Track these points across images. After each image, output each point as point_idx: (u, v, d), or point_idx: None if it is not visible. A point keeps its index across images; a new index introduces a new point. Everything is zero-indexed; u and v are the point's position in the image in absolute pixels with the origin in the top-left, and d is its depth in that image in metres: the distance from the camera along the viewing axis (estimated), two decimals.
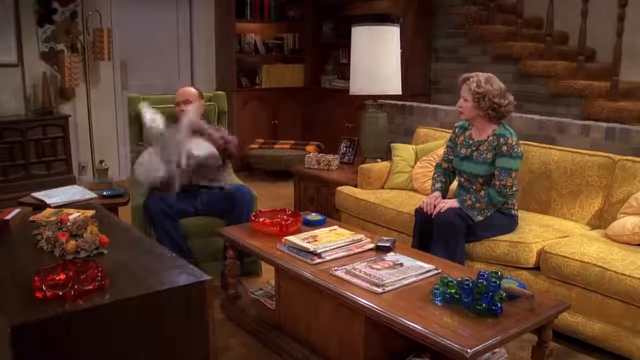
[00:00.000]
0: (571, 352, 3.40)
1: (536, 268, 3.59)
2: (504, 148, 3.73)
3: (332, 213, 4.88)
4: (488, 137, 3.83)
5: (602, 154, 4.05)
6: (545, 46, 6.37)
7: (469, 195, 3.82)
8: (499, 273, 2.61)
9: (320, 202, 5.30)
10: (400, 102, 5.73)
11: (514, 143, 3.74)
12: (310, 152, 6.69)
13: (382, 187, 4.85)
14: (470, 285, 2.50)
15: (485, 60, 6.68)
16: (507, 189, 3.72)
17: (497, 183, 3.72)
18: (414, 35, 7.11)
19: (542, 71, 6.20)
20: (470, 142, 3.93)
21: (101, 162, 5.10)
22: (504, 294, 2.50)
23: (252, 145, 7.51)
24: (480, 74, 3.84)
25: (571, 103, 5.96)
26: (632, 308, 3.12)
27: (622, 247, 3.46)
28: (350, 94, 5.30)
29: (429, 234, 3.76)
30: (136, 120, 4.75)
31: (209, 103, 4.92)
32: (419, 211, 3.90)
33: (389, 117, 5.50)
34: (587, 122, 4.50)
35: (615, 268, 3.19)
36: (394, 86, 5.14)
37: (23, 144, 6.30)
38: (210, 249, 4.17)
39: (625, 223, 3.56)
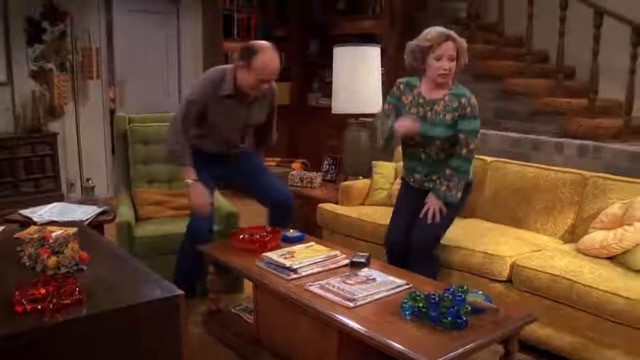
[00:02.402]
0: None
1: (509, 281, 3.69)
2: (468, 110, 3.61)
3: (314, 230, 4.97)
4: (444, 96, 3.66)
5: (574, 171, 4.18)
6: (525, 65, 6.50)
7: (439, 182, 3.72)
8: (465, 287, 2.71)
9: (303, 218, 5.40)
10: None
11: (475, 103, 3.65)
12: (296, 169, 6.79)
13: (363, 204, 4.96)
14: (437, 299, 2.60)
15: (467, 78, 6.72)
16: (473, 153, 3.71)
17: (465, 150, 3.64)
18: (398, 54, 7.21)
19: (523, 89, 6.32)
20: (422, 101, 3.70)
21: (88, 180, 5.21)
22: (469, 308, 2.60)
23: None
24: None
25: (551, 120, 6.06)
26: (600, 320, 3.22)
27: (591, 260, 3.57)
28: (332, 112, 5.41)
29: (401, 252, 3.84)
30: (123, 140, 4.87)
31: None
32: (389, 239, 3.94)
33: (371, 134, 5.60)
34: (560, 140, 4.63)
35: (583, 281, 3.30)
36: (375, 105, 5.25)
37: (12, 162, 6.40)
38: None
39: (594, 237, 3.67)
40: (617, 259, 3.54)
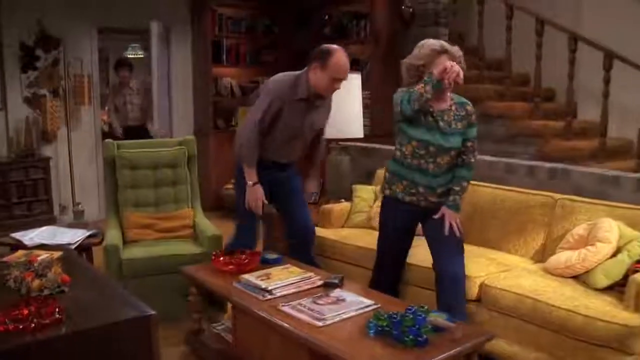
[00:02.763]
0: None
1: (479, 300, 3.83)
2: (473, 117, 3.73)
3: None
4: (451, 106, 3.70)
5: (544, 193, 4.34)
6: (504, 88, 6.71)
7: (452, 197, 3.74)
8: (426, 307, 2.87)
9: (286, 241, 5.53)
10: (363, 144, 6.00)
11: (474, 109, 3.78)
12: None
13: (343, 227, 5.11)
14: (399, 318, 2.75)
15: None
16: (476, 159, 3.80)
17: (471, 157, 3.74)
18: (381, 78, 7.41)
19: (502, 112, 6.51)
20: (431, 111, 3.64)
21: (77, 204, 5.36)
22: (430, 327, 2.75)
23: (227, 186, 7.76)
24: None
25: (529, 142, 6.25)
26: (562, 337, 3.37)
27: (556, 280, 3.73)
28: None
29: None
30: (111, 165, 5.04)
31: (179, 147, 5.21)
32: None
33: (352, 158, 5.77)
34: (532, 163, 4.79)
35: (546, 300, 3.44)
36: (356, 130, 5.42)
37: (5, 185, 6.56)
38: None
39: (560, 258, 3.83)
40: (580, 278, 3.70)
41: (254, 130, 4.05)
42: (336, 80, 4.00)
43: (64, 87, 7.18)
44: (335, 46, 4.02)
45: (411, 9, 7.21)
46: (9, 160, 6.77)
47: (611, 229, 3.70)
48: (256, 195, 4.14)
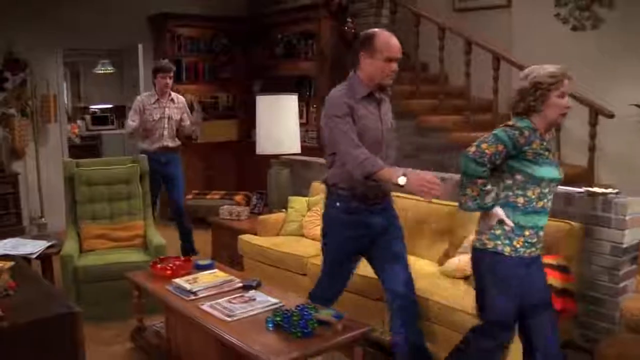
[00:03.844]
0: None
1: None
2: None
3: (240, 258, 5.67)
4: (551, 135, 3.34)
5: (451, 203, 4.88)
6: (438, 102, 7.27)
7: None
8: (314, 305, 3.44)
9: (231, 248, 6.07)
10: (302, 158, 6.54)
11: None
12: (239, 202, 7.55)
13: (278, 234, 5.67)
14: (290, 314, 3.32)
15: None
16: None
17: None
18: (327, 93, 7.94)
19: (436, 125, 7.07)
20: (545, 144, 3.21)
21: (40, 217, 5.89)
22: (315, 321, 3.31)
23: (188, 196, 8.29)
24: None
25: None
26: (448, 331, 3.93)
27: (450, 280, 4.30)
28: (257, 153, 6.13)
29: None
30: (70, 181, 5.58)
31: (132, 165, 5.76)
32: None
33: (292, 171, 6.32)
34: (443, 175, 5.31)
35: (432, 297, 4.01)
36: (293, 146, 5.98)
37: None
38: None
39: (453, 261, 4.40)
40: (470, 279, 4.26)
41: (353, 145, 3.52)
42: (391, 61, 3.60)
43: (32, 106, 7.68)
44: (374, 29, 3.69)
45: (353, 30, 7.80)
46: None
47: None
48: (422, 180, 3.31)
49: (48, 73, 7.84)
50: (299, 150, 6.10)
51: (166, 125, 6.43)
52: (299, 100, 8.11)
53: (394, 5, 7.75)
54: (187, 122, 6.63)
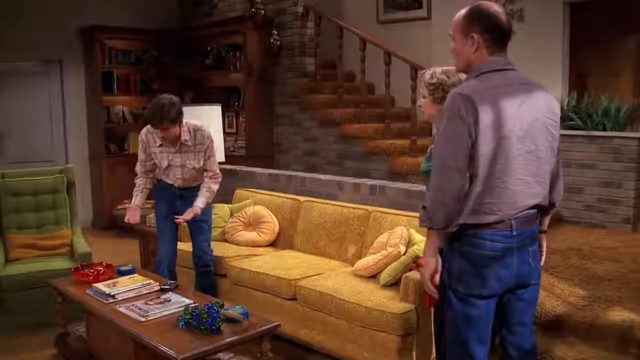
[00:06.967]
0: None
1: (295, 298, 4.63)
2: None
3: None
4: None
5: (362, 207, 5.18)
6: (359, 111, 7.58)
7: None
8: (220, 303, 3.67)
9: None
10: (227, 167, 6.76)
11: None
12: None
13: None
14: (198, 312, 3.54)
15: (314, 125, 7.85)
16: None
17: None
18: (257, 103, 8.24)
19: (357, 133, 7.38)
20: None
21: None
22: (223, 318, 3.55)
23: (119, 206, 8.39)
24: (439, 67, 3.41)
25: (381, 160, 7.10)
26: (353, 325, 4.19)
27: (359, 279, 4.56)
28: None
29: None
30: None
31: (59, 175, 5.90)
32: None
33: None
34: (357, 181, 5.62)
35: (340, 295, 4.28)
36: (218, 156, 6.18)
37: None
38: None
39: (363, 261, 4.68)
40: (377, 277, 4.55)
41: (455, 177, 2.62)
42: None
43: None
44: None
45: (279, 42, 8.08)
46: None
47: (401, 235, 4.55)
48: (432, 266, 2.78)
49: None
50: (222, 159, 6.31)
51: (179, 175, 4.99)
52: (230, 110, 8.46)
53: (318, 17, 8.05)
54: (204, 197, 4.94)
